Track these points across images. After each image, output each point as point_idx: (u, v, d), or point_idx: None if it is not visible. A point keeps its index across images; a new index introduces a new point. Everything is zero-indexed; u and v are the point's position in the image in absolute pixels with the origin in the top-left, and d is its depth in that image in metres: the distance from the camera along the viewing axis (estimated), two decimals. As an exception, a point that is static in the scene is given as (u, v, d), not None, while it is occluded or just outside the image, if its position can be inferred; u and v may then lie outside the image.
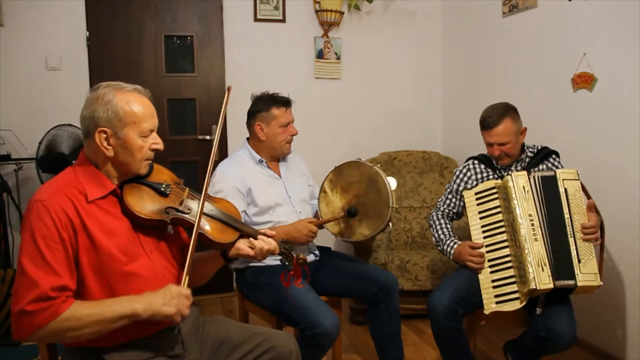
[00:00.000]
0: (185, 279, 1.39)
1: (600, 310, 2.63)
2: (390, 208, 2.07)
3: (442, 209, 2.40)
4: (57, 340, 1.28)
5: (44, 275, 1.25)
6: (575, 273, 1.90)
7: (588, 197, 2.05)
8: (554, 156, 2.25)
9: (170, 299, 1.33)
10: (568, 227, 1.95)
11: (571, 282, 1.90)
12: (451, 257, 2.21)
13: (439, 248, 2.31)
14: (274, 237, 1.64)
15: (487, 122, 2.18)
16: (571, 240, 1.94)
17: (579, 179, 2.02)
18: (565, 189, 1.99)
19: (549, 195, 2.00)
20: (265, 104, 2.24)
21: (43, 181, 2.98)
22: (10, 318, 2.77)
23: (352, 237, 2.18)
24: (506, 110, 2.18)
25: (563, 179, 2.00)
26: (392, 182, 2.09)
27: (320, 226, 2.19)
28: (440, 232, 2.32)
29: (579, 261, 1.91)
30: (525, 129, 2.24)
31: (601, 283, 1.92)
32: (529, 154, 2.26)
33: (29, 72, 3.25)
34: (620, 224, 2.44)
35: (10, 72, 3.21)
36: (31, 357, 2.60)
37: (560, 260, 1.92)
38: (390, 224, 2.12)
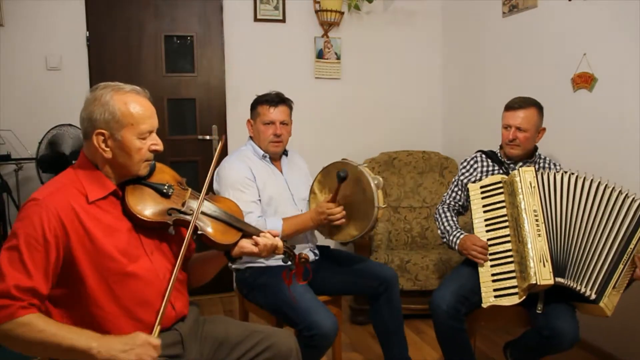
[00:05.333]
0: (157, 328, 1.33)
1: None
2: (375, 208, 2.03)
3: (447, 201, 2.41)
4: (5, 344, 1.23)
5: (14, 272, 1.23)
6: (605, 294, 1.86)
7: None
8: None
9: (132, 346, 1.25)
10: (627, 255, 1.86)
11: (597, 299, 1.85)
12: (456, 247, 2.21)
13: (444, 240, 2.31)
14: (277, 236, 1.64)
15: (514, 103, 2.23)
16: (622, 266, 1.86)
17: None
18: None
19: (634, 221, 1.89)
20: (255, 102, 2.29)
21: (43, 181, 2.98)
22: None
23: (341, 238, 2.16)
24: (535, 103, 2.25)
25: None
26: (377, 181, 2.05)
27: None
28: (446, 223, 2.32)
29: (614, 287, 1.86)
30: (544, 130, 2.26)
31: (609, 315, 1.88)
32: (540, 161, 2.27)
33: (29, 72, 3.25)
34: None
35: (10, 72, 3.21)
36: (31, 358, 2.59)
37: (599, 275, 1.87)
38: (377, 223, 2.09)
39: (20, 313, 1.21)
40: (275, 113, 2.24)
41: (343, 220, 2.10)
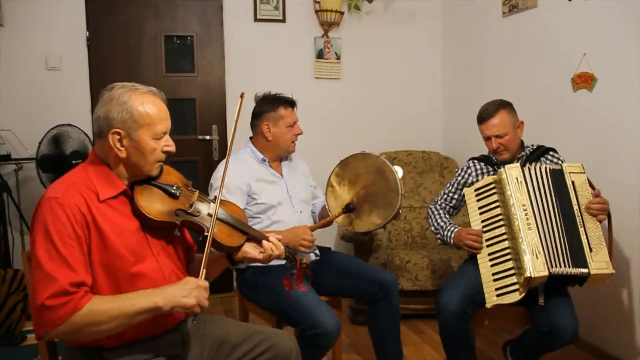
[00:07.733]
0: (203, 271, 1.40)
1: (601, 309, 2.63)
2: (400, 195, 2.07)
3: (439, 202, 2.45)
4: (77, 336, 1.28)
5: (61, 270, 1.25)
6: (588, 262, 1.93)
7: (594, 188, 2.08)
8: (551, 152, 2.27)
9: (189, 290, 1.34)
10: (578, 218, 1.99)
11: (584, 270, 1.92)
12: (451, 241, 2.24)
13: (438, 236, 2.34)
14: (280, 240, 1.64)
15: (483, 114, 2.24)
16: (581, 230, 1.97)
17: (584, 172, 2.06)
18: (573, 182, 2.04)
19: (557, 188, 2.03)
20: (272, 104, 2.27)
21: (43, 181, 2.98)
22: (9, 318, 2.78)
23: (363, 228, 2.16)
24: (502, 104, 2.24)
25: (569, 172, 2.05)
26: (399, 171, 2.10)
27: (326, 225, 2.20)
28: (439, 220, 2.36)
29: (591, 250, 1.94)
30: (522, 123, 2.27)
31: (613, 271, 1.94)
32: (527, 152, 2.28)
33: (29, 72, 3.25)
34: (620, 223, 2.43)
35: (10, 72, 3.21)
36: (31, 358, 2.60)
37: (572, 250, 1.95)
38: (400, 211, 2.13)
39: (82, 303, 1.25)
40: (295, 114, 2.31)
41: (308, 250, 2.11)
